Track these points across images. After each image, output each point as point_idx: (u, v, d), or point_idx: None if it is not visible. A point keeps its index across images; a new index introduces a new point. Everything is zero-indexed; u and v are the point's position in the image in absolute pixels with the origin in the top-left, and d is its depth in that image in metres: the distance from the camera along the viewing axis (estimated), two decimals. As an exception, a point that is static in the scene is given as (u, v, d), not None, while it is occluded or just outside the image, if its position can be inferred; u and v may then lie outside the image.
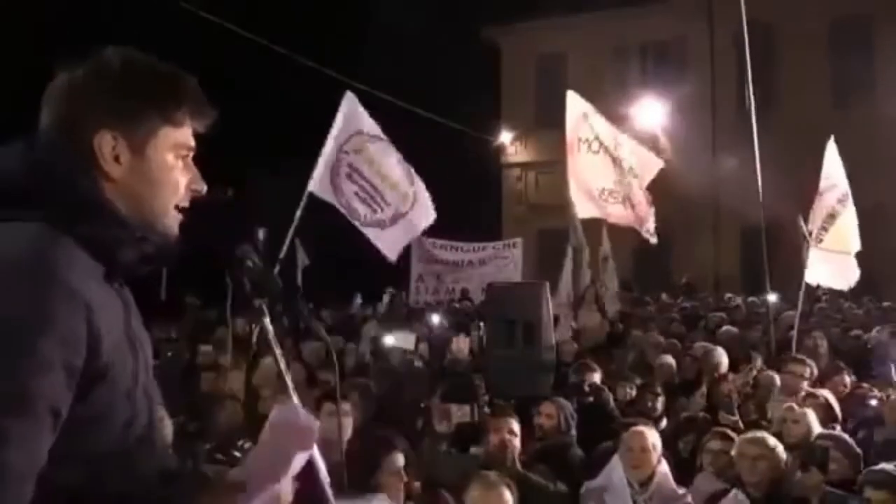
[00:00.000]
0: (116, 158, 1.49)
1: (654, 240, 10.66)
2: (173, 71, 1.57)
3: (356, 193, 9.63)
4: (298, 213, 8.95)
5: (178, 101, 1.55)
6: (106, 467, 1.41)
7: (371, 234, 9.81)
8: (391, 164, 9.83)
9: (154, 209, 1.53)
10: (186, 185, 1.59)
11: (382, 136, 9.71)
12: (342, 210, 9.56)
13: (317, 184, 9.26)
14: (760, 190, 8.94)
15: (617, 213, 10.49)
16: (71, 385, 1.33)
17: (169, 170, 1.54)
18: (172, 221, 1.56)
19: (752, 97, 9.02)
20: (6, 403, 1.26)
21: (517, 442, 5.02)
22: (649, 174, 10.66)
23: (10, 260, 1.33)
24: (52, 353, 1.30)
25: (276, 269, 7.66)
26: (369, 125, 9.72)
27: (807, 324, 9.97)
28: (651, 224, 10.58)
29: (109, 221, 1.46)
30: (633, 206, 10.39)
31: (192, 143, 1.59)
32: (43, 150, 1.46)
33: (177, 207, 1.58)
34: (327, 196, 9.41)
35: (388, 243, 9.95)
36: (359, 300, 16.35)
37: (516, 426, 5.06)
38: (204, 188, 1.61)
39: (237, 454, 5.15)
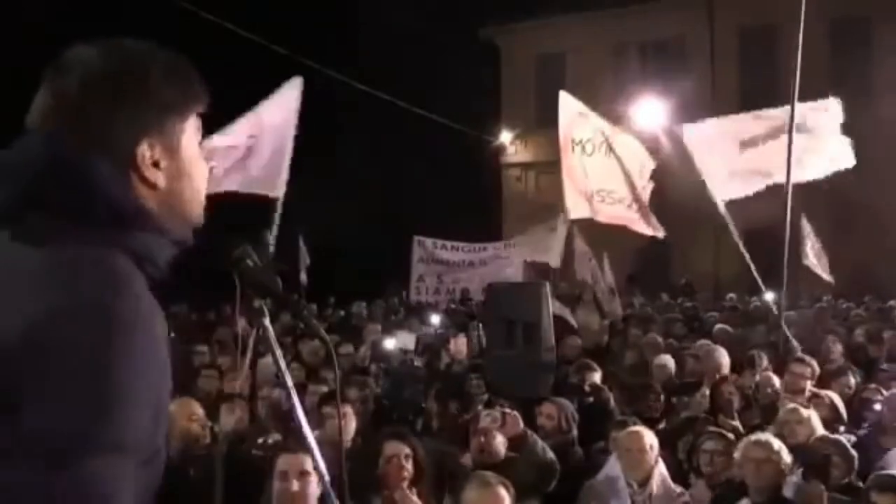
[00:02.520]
0: (156, 164, 1.41)
1: (661, 234, 10.57)
2: (182, 58, 1.51)
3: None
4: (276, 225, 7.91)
5: (197, 89, 1.50)
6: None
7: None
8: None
9: (192, 204, 1.48)
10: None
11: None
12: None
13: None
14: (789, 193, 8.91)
15: (612, 213, 10.44)
16: (148, 417, 1.27)
17: (198, 159, 1.49)
18: (201, 209, 1.51)
19: (795, 95, 8.96)
20: (115, 455, 1.21)
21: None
22: (646, 172, 10.63)
23: (100, 302, 1.23)
24: (149, 395, 1.26)
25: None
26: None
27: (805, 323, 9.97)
28: (653, 220, 10.51)
29: (156, 234, 1.39)
30: (632, 205, 10.34)
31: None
32: (80, 162, 1.35)
33: None
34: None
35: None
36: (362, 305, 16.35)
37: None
38: (213, 164, 1.59)
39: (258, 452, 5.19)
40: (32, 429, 1.17)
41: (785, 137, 8.58)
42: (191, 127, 1.48)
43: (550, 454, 5.24)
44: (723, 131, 9.81)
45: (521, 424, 5.30)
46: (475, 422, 5.32)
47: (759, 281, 9.49)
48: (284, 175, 8.17)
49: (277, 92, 8.38)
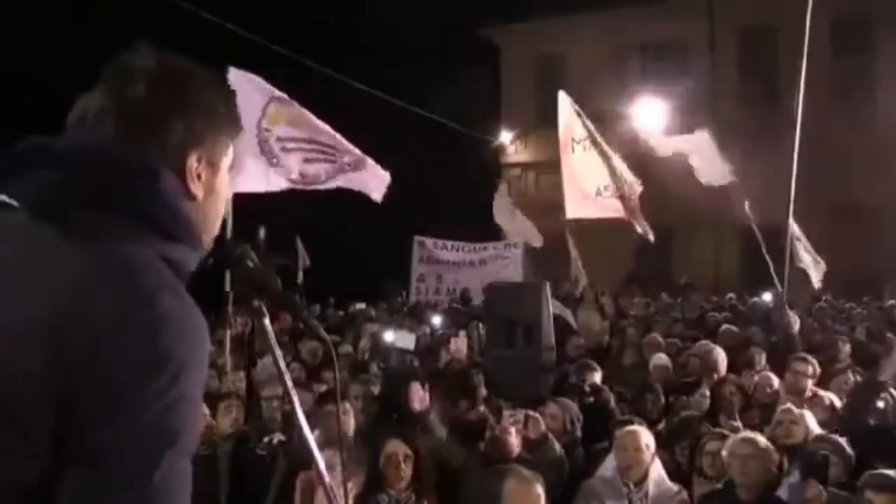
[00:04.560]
0: (199, 177, 1.44)
1: (650, 237, 10.63)
2: (226, 84, 1.57)
3: (305, 160, 8.50)
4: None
5: (238, 119, 1.54)
6: None
7: (343, 181, 8.80)
8: (313, 118, 8.64)
9: (216, 222, 1.52)
10: None
11: (285, 96, 8.47)
12: (300, 186, 8.49)
13: (257, 182, 8.03)
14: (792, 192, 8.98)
15: (614, 207, 10.47)
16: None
17: (228, 180, 1.54)
18: (217, 229, 1.56)
19: (800, 102, 9.04)
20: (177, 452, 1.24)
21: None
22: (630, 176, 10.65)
23: (165, 310, 1.24)
24: (197, 392, 1.29)
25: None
26: (265, 90, 8.42)
27: (806, 324, 9.98)
28: (642, 221, 10.56)
29: (191, 247, 1.40)
30: (626, 200, 10.38)
31: None
32: (138, 155, 1.36)
33: None
34: (279, 185, 8.30)
35: (366, 183, 8.95)
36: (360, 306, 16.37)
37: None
38: (230, 195, 1.62)
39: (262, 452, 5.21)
40: (104, 442, 1.17)
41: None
42: (231, 152, 1.52)
43: (564, 458, 5.25)
44: None
45: (543, 427, 5.29)
46: (495, 420, 5.33)
47: (776, 279, 9.51)
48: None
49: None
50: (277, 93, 8.38)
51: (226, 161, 1.50)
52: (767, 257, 9.75)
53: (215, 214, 1.51)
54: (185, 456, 1.25)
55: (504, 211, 15.59)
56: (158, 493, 1.20)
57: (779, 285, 9.79)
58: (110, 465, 1.17)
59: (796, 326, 9.48)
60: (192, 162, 1.42)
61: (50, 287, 1.21)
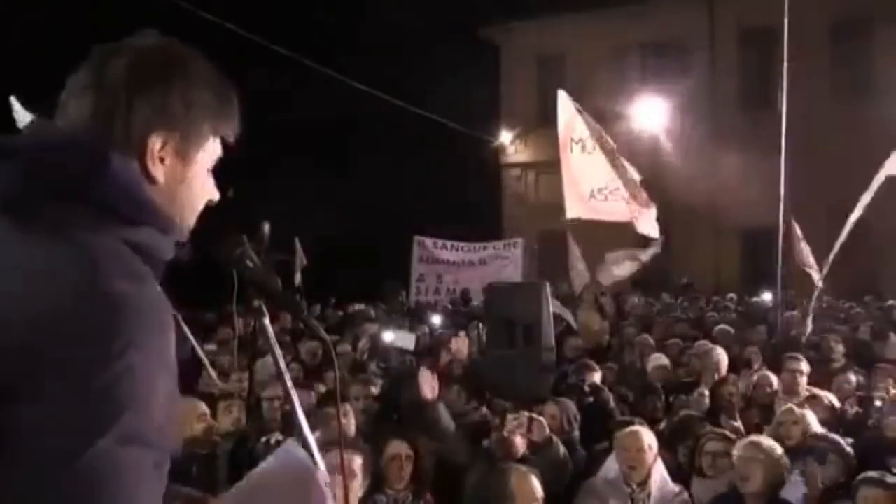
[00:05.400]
0: (161, 160, 1.40)
1: (656, 235, 10.56)
2: (226, 81, 1.51)
3: None
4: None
5: (230, 116, 1.50)
6: None
7: None
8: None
9: (183, 216, 1.47)
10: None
11: None
12: None
13: None
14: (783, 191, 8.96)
15: (611, 210, 10.43)
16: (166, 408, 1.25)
17: (204, 180, 1.49)
18: (190, 224, 1.51)
19: (784, 100, 9.03)
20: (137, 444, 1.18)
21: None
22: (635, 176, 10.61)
23: (109, 291, 1.21)
24: (166, 387, 1.24)
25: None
26: None
27: (806, 324, 9.96)
28: (651, 220, 10.49)
29: (165, 227, 1.39)
30: (630, 202, 10.32)
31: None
32: (94, 141, 1.35)
33: None
34: None
35: None
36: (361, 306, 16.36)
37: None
38: (217, 197, 1.56)
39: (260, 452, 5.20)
40: (38, 423, 1.13)
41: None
42: (211, 146, 1.48)
43: (568, 461, 5.24)
44: None
45: (547, 430, 5.29)
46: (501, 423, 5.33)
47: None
48: None
49: None
50: None
51: (204, 156, 1.47)
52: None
53: (190, 203, 1.47)
54: (134, 445, 1.17)
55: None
56: (86, 478, 1.13)
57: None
58: (30, 442, 1.13)
59: (808, 328, 9.46)
60: (154, 144, 1.39)
61: (2, 277, 1.22)
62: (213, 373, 6.84)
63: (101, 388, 1.15)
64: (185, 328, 6.62)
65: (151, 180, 1.39)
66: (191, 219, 1.49)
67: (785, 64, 9.41)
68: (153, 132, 1.39)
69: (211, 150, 1.48)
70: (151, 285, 1.29)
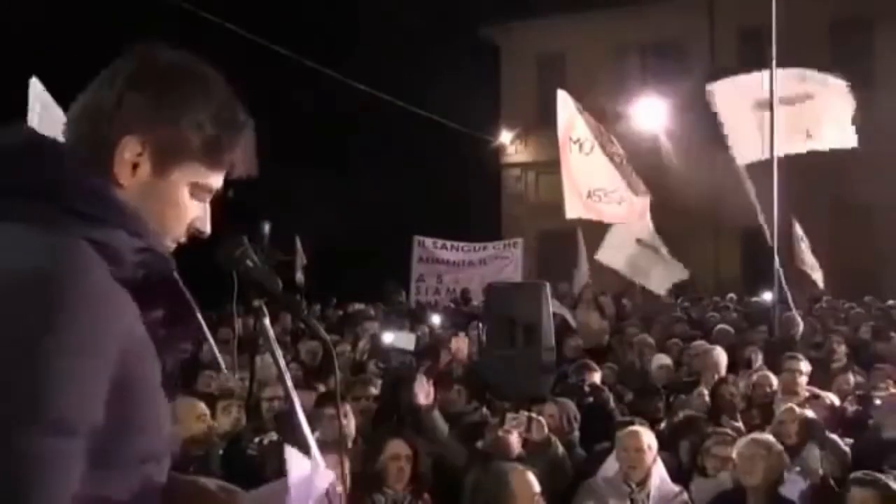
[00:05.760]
0: (134, 167, 1.39)
1: (650, 232, 10.57)
2: (238, 113, 1.47)
3: None
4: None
5: (225, 149, 1.45)
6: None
7: None
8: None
9: (161, 222, 1.45)
10: (191, 223, 1.49)
11: None
12: None
13: None
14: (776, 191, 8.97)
15: (608, 213, 10.45)
16: (100, 396, 1.23)
17: (178, 203, 1.45)
18: (166, 238, 1.47)
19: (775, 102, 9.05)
20: (40, 425, 1.15)
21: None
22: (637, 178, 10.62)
23: (25, 270, 1.21)
24: (83, 364, 1.20)
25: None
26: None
27: (806, 324, 9.98)
28: (647, 219, 10.51)
29: (131, 227, 1.37)
30: (625, 202, 10.34)
31: (219, 184, 1.49)
32: (52, 147, 1.36)
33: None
34: None
35: None
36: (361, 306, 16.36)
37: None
38: (207, 231, 1.51)
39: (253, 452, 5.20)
40: None
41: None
42: (193, 174, 1.44)
43: (567, 461, 5.24)
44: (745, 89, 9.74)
45: (546, 430, 5.29)
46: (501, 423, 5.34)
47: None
48: None
49: None
50: None
51: (182, 176, 1.43)
52: (777, 259, 9.73)
53: (159, 218, 1.43)
54: (72, 436, 1.17)
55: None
56: (16, 474, 1.12)
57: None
58: None
59: (800, 329, 9.47)
60: (123, 147, 1.37)
61: None
62: (223, 365, 6.87)
63: (20, 377, 1.15)
64: (206, 330, 6.66)
65: (115, 181, 1.38)
66: (164, 234, 1.45)
67: (773, 62, 9.41)
68: (124, 138, 1.38)
69: (192, 177, 1.44)
70: (104, 283, 1.27)
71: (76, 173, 1.34)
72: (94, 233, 1.31)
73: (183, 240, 1.50)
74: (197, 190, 1.47)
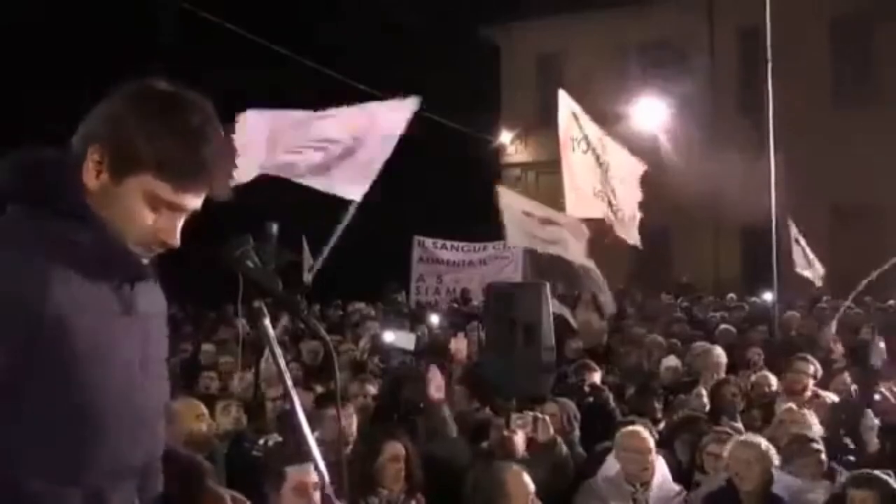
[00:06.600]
0: (98, 174, 1.58)
1: (637, 243, 10.51)
2: (202, 139, 1.59)
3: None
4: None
5: (181, 169, 1.57)
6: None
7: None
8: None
9: (123, 226, 1.62)
10: (156, 233, 1.61)
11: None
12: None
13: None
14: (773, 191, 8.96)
15: (606, 212, 10.45)
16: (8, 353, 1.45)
17: (133, 210, 1.59)
18: (131, 242, 1.62)
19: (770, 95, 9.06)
20: None
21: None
22: (635, 179, 10.60)
23: None
24: None
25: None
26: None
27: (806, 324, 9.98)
28: (634, 231, 10.45)
29: (83, 216, 1.57)
30: (615, 210, 10.32)
31: (184, 203, 1.60)
32: (38, 150, 1.63)
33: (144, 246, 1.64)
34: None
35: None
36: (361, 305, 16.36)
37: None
38: (175, 244, 1.62)
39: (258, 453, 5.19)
40: None
41: None
42: (147, 186, 1.58)
43: (570, 461, 5.24)
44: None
45: (552, 431, 5.28)
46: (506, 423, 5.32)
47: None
48: (368, 183, 8.16)
49: (395, 102, 8.37)
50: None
51: (137, 185, 1.57)
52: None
53: (120, 221, 1.59)
54: None
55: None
56: None
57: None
58: None
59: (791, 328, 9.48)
60: (90, 155, 1.58)
61: None
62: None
63: None
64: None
65: (84, 184, 1.58)
66: (126, 234, 1.59)
67: (769, 64, 9.43)
68: (95, 142, 1.58)
69: (146, 188, 1.58)
70: (15, 258, 1.49)
71: (42, 170, 1.59)
72: (50, 224, 1.55)
73: (157, 250, 1.63)
74: (157, 203, 1.59)
